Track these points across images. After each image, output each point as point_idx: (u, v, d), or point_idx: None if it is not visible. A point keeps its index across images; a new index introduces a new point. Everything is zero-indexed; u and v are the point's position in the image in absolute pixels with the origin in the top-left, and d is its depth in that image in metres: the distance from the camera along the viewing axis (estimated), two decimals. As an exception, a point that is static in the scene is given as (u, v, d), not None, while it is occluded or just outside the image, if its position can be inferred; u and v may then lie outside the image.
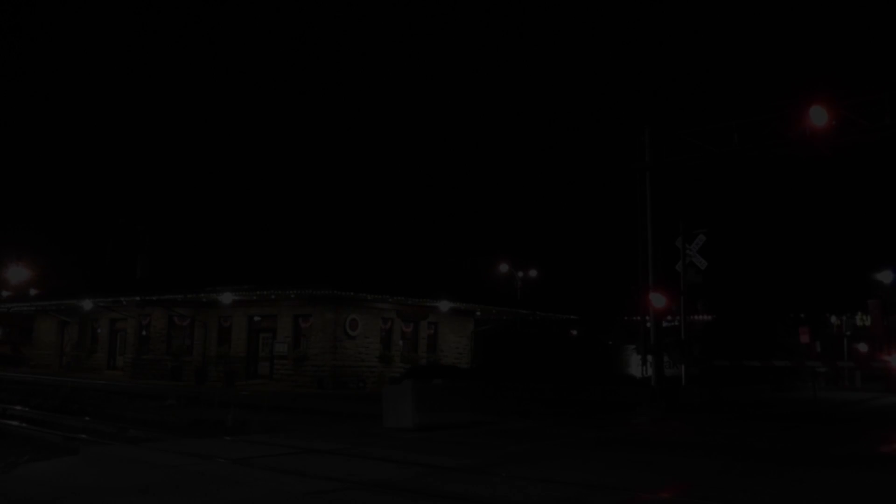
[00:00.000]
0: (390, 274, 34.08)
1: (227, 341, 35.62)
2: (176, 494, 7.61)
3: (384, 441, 12.62)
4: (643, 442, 13.73)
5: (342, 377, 31.27)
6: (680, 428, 16.49)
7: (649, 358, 23.91)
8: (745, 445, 13.26)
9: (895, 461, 12.10)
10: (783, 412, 22.51)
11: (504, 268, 54.42)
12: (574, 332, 52.47)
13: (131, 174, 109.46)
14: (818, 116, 18.91)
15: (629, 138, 22.88)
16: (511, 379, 28.59)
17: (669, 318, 38.40)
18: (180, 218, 39.09)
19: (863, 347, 48.33)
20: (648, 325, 23.47)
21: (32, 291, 55.62)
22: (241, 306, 34.82)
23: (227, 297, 33.47)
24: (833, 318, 57.51)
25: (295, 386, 31.13)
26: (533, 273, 54.77)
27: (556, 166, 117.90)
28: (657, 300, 21.75)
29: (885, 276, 41.61)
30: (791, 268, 52.96)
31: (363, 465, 9.74)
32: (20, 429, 14.21)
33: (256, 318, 34.93)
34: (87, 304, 39.74)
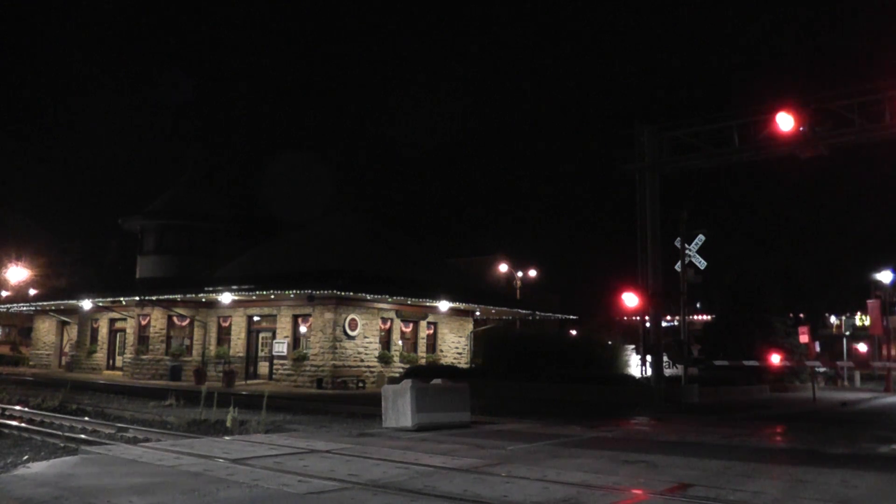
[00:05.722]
0: (390, 274, 34.10)
1: (226, 341, 35.68)
2: (175, 494, 7.61)
3: (384, 441, 12.62)
4: (642, 442, 13.74)
5: (341, 377, 31.30)
6: (679, 428, 16.51)
7: (648, 358, 23.98)
8: (745, 445, 13.27)
9: (894, 461, 12.11)
10: (782, 412, 22.53)
11: (503, 268, 54.49)
12: (574, 332, 52.48)
13: (132, 173, 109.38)
14: (818, 116, 18.98)
15: (628, 139, 22.94)
16: (510, 379, 28.62)
17: (669, 318, 38.43)
18: (181, 217, 39.08)
19: (862, 347, 48.38)
20: (648, 325, 23.52)
21: (32, 291, 55.62)
22: (240, 306, 34.85)
23: (226, 297, 33.52)
24: (832, 318, 57.61)
25: (294, 386, 31.17)
26: (532, 273, 54.84)
27: (556, 167, 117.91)
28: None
29: (884, 276, 41.68)
30: (791, 268, 52.96)
31: (363, 464, 9.74)
32: (19, 429, 14.20)
33: (256, 318, 34.97)
34: (87, 304, 39.79)
